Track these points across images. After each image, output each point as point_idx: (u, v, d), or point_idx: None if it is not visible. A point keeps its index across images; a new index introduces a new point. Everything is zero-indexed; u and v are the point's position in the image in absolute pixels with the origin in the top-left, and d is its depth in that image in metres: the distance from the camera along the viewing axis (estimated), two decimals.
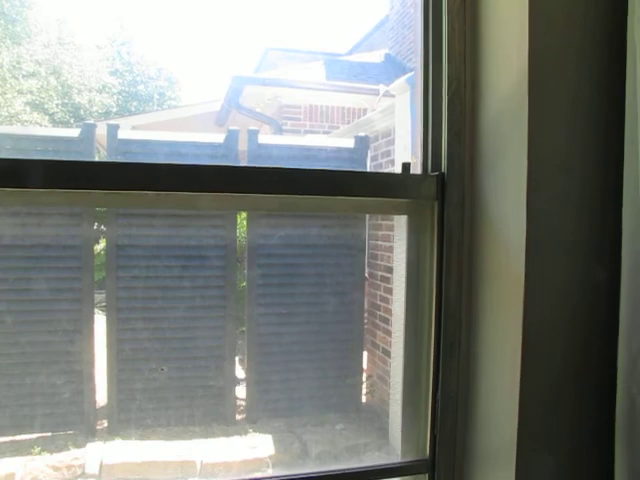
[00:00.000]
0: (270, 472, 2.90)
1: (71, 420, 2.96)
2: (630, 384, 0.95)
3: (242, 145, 3.22)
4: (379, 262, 3.89)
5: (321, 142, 3.98)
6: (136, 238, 3.00)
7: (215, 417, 3.18)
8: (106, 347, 2.99)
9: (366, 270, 3.83)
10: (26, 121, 6.79)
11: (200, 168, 1.02)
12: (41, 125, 7.16)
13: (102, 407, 3.05)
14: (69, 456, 2.86)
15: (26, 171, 0.93)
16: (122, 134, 3.06)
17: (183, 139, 3.19)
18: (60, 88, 7.91)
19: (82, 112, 8.14)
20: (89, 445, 2.94)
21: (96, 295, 3.01)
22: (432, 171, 1.15)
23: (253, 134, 3.26)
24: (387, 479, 1.16)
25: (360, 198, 1.14)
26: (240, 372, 3.33)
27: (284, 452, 3.15)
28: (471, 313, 1.14)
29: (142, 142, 3.15)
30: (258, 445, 3.12)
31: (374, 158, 4.02)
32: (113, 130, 3.01)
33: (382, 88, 4.73)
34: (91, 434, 2.98)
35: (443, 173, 1.14)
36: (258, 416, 3.28)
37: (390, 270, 3.70)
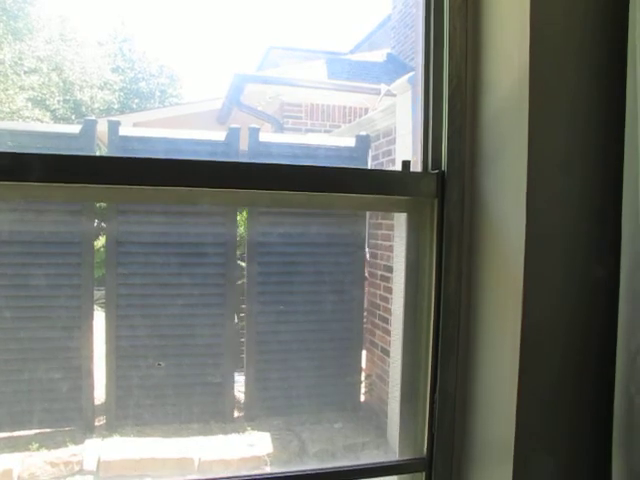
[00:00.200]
0: (268, 470, 2.90)
1: (69, 416, 2.96)
2: (628, 384, 0.95)
3: (243, 143, 3.21)
4: (379, 261, 3.89)
5: (322, 141, 3.98)
6: (137, 235, 3.00)
7: (213, 414, 3.18)
8: (105, 344, 2.99)
9: (366, 269, 3.83)
10: (28, 117, 6.79)
11: (197, 163, 1.02)
12: (42, 121, 7.16)
13: (100, 404, 3.05)
14: (67, 452, 2.86)
15: (24, 165, 0.93)
16: (123, 131, 3.06)
17: (184, 136, 3.19)
18: (62, 84, 7.91)
19: (83, 109, 8.14)
20: (87, 441, 2.94)
21: (95, 292, 3.01)
22: (432, 169, 1.15)
23: (254, 132, 3.25)
24: (385, 477, 1.16)
25: (360, 195, 1.14)
26: (239, 370, 3.33)
27: (282, 450, 3.15)
28: (470, 311, 1.14)
29: (143, 139, 3.15)
30: (256, 443, 3.12)
31: (375, 157, 4.02)
32: (114, 127, 3.00)
33: (383, 87, 4.73)
34: (89, 430, 2.98)
35: (443, 171, 1.13)
36: (256, 414, 3.28)
37: (390, 269, 3.70)
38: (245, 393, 3.29)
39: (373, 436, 3.43)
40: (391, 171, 1.76)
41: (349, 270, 3.39)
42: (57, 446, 2.88)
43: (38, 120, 7.01)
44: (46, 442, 2.87)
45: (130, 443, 2.97)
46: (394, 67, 6.06)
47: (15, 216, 2.74)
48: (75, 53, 8.37)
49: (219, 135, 3.24)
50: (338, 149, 3.52)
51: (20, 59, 7.22)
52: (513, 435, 1.00)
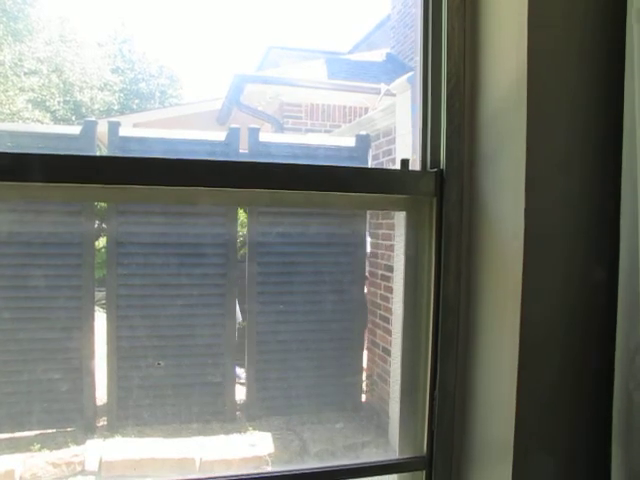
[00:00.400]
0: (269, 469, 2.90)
1: (71, 417, 2.97)
2: (627, 381, 0.95)
3: (243, 143, 3.21)
4: (379, 261, 3.89)
5: (322, 141, 3.98)
6: (136, 235, 3.00)
7: (214, 414, 3.18)
8: (106, 344, 2.99)
9: (366, 269, 3.82)
10: (28, 119, 6.79)
11: (196, 162, 1.02)
12: (42, 123, 7.16)
13: (102, 404, 3.05)
14: (69, 453, 2.87)
15: (24, 165, 0.93)
16: (123, 132, 3.06)
17: (184, 137, 3.19)
18: (62, 86, 7.91)
19: (84, 110, 8.14)
20: (89, 442, 2.94)
21: (96, 293, 3.01)
22: (431, 167, 1.15)
23: (254, 132, 3.25)
24: (385, 475, 1.16)
25: (358, 194, 1.14)
26: (240, 369, 3.33)
27: (283, 450, 3.15)
28: (469, 310, 1.14)
29: (143, 140, 3.14)
30: (257, 443, 3.12)
31: (375, 157, 4.02)
32: (114, 127, 3.00)
33: (383, 87, 4.73)
34: (90, 431, 2.98)
35: (442, 169, 1.14)
36: (257, 414, 3.28)
37: (390, 269, 3.70)
38: (246, 393, 3.29)
39: (374, 436, 3.43)
40: (390, 170, 1.76)
41: (349, 270, 3.39)
42: (59, 447, 2.88)
43: (38, 121, 7.02)
44: (48, 443, 2.88)
45: (132, 443, 2.97)
46: (393, 67, 6.06)
47: (15, 216, 2.74)
48: (75, 54, 8.37)
49: (219, 135, 3.24)
50: (338, 149, 3.52)
51: (20, 60, 7.23)
52: (512, 433, 1.00)
